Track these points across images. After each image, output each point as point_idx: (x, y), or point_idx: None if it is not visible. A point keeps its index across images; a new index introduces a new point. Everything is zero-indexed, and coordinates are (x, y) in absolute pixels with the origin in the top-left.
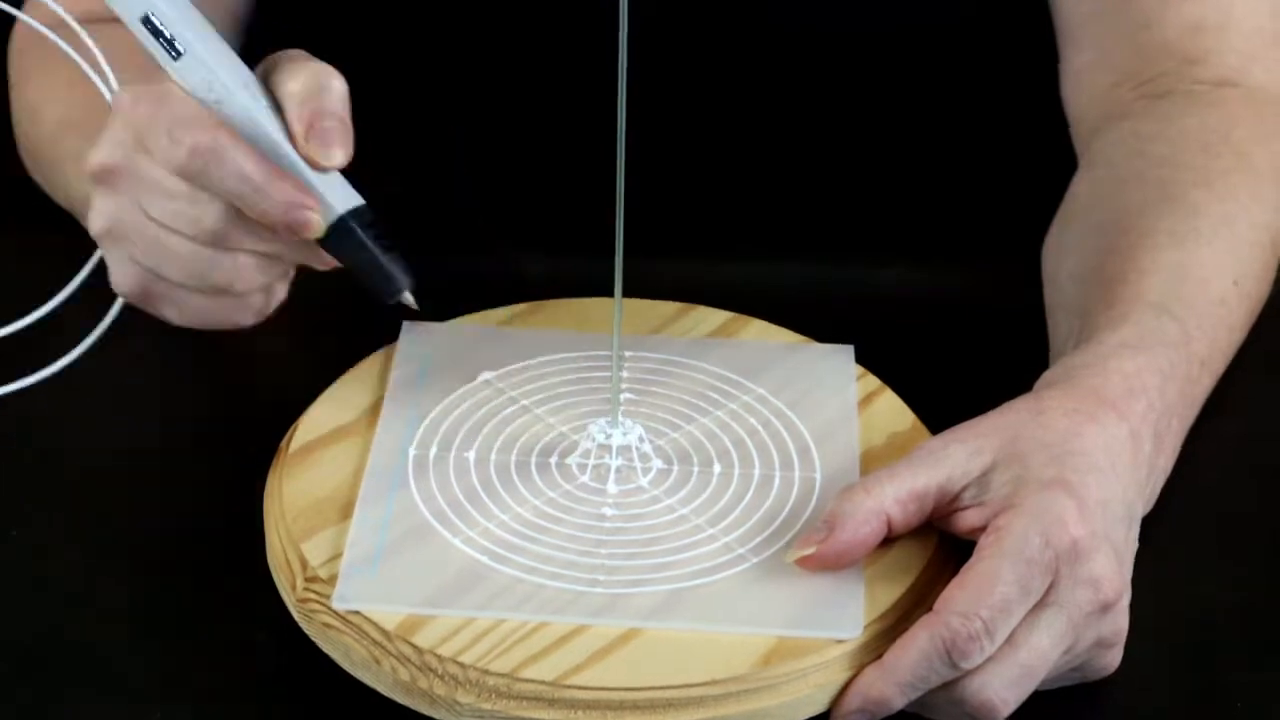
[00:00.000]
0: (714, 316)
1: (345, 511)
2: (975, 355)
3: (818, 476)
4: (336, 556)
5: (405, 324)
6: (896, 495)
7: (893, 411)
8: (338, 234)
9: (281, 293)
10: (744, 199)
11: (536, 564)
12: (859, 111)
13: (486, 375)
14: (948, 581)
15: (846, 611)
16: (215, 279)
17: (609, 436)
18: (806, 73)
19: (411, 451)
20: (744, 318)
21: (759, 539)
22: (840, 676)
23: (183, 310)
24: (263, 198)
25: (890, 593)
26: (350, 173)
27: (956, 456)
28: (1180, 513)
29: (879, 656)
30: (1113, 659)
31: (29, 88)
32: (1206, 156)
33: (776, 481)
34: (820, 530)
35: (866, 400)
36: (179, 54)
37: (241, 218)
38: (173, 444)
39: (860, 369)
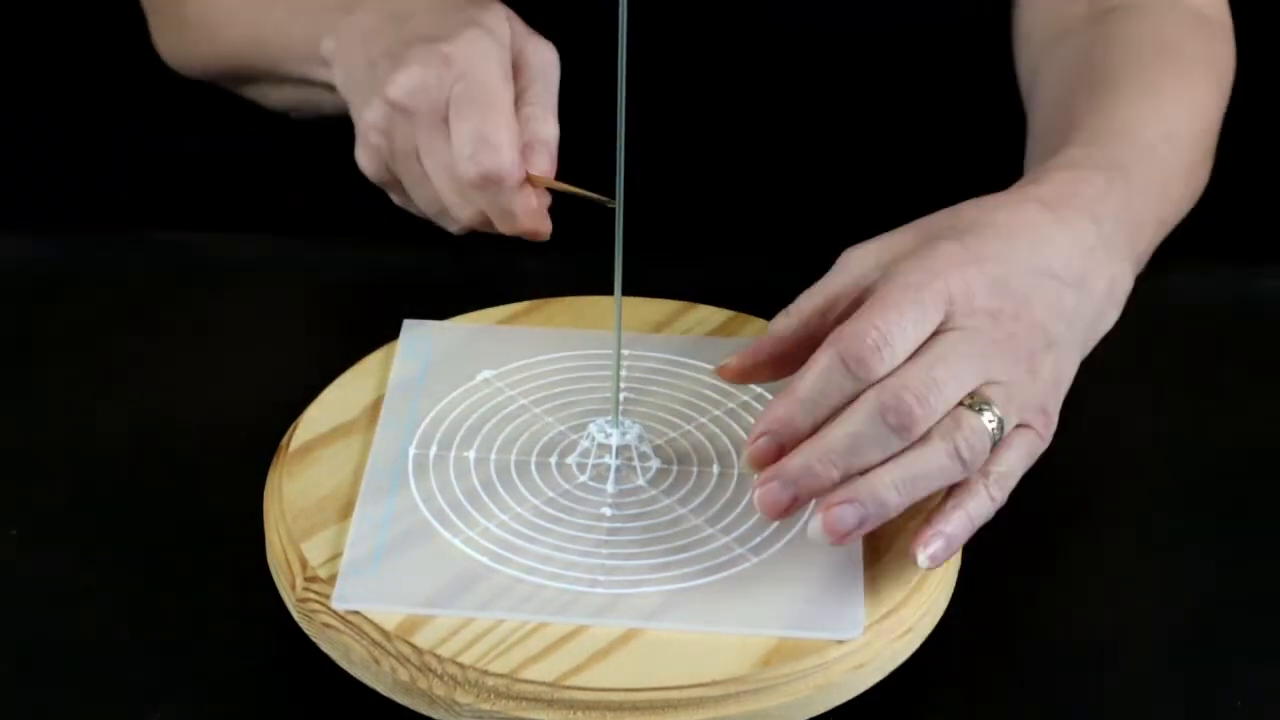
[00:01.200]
0: (714, 316)
1: (345, 511)
2: None
3: None
4: (336, 556)
5: (405, 322)
6: (815, 306)
7: None
8: None
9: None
10: (744, 198)
11: (536, 564)
12: (860, 110)
13: (486, 374)
14: (947, 585)
15: (847, 612)
16: (442, 221)
17: (608, 436)
18: (807, 72)
19: (411, 451)
20: (744, 316)
21: (759, 539)
22: (841, 678)
23: (407, 203)
24: (513, 225)
25: (891, 594)
26: (352, 170)
27: (869, 253)
28: (1180, 511)
29: (879, 658)
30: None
31: None
32: (1131, 50)
33: None
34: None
35: None
36: None
37: None
38: (173, 443)
39: None
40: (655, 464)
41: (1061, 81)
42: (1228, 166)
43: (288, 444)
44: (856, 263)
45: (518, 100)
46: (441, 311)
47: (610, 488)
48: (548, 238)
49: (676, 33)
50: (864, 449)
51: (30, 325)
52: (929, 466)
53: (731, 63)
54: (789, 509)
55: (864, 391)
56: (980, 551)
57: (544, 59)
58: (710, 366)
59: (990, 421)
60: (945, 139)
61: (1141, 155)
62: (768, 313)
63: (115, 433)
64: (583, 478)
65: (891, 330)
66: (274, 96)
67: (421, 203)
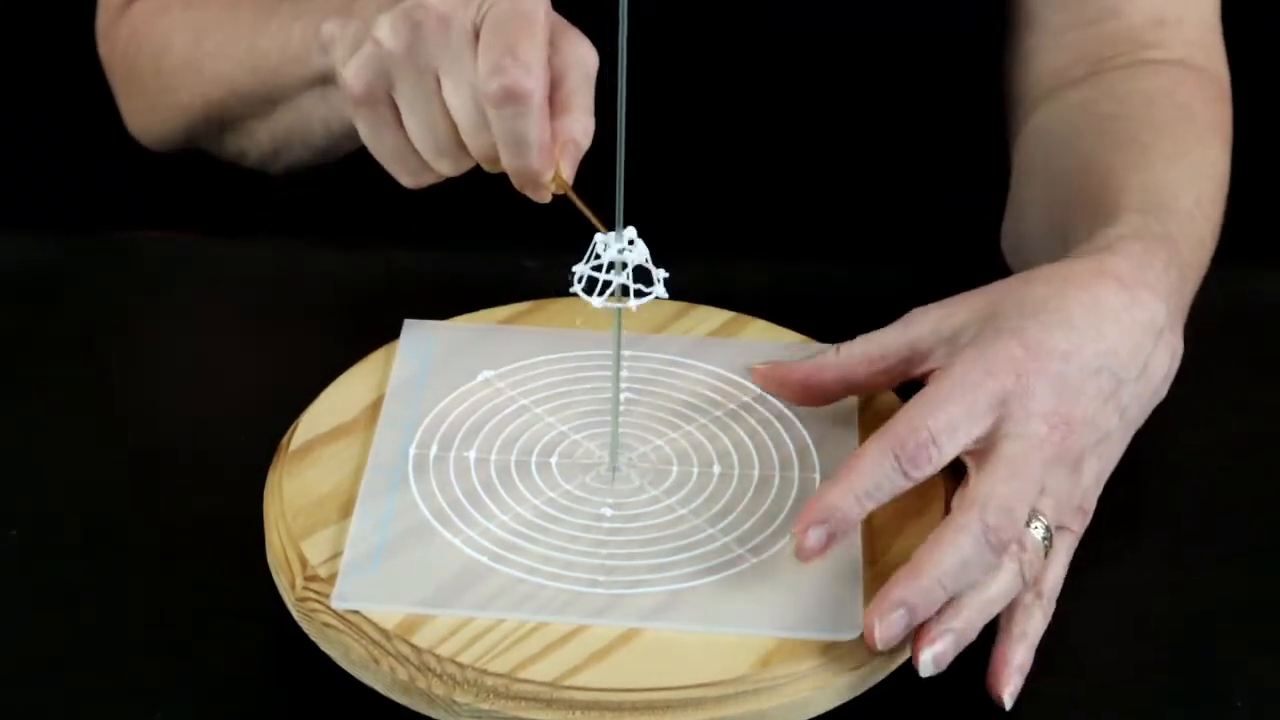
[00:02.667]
0: (715, 316)
1: (345, 510)
2: None
3: (818, 477)
4: (336, 555)
5: (406, 322)
6: (866, 352)
7: (892, 410)
8: None
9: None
10: (745, 199)
11: (536, 564)
12: (860, 111)
13: (487, 374)
14: None
15: (846, 613)
16: (437, 161)
17: (607, 248)
18: (807, 73)
19: (412, 450)
20: (745, 317)
21: (759, 539)
22: (839, 678)
23: (376, 136)
24: (521, 158)
25: None
26: (352, 171)
27: (929, 319)
28: (1181, 512)
29: (879, 659)
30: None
31: (158, 30)
32: (1151, 109)
33: (776, 481)
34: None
35: (867, 400)
36: None
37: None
38: (173, 442)
39: None
40: (660, 291)
41: (1077, 130)
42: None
43: (288, 443)
44: (916, 323)
45: (554, 89)
46: (442, 311)
47: (598, 305)
48: (548, 199)
49: (677, 33)
50: (971, 573)
51: (30, 325)
52: (1001, 590)
53: (733, 63)
54: (903, 638)
55: (956, 513)
56: None
57: (582, 52)
58: (711, 368)
59: (1043, 537)
60: (947, 140)
61: (1183, 225)
62: (768, 314)
63: (115, 433)
64: (580, 289)
65: (941, 431)
66: (261, 134)
67: (420, 129)
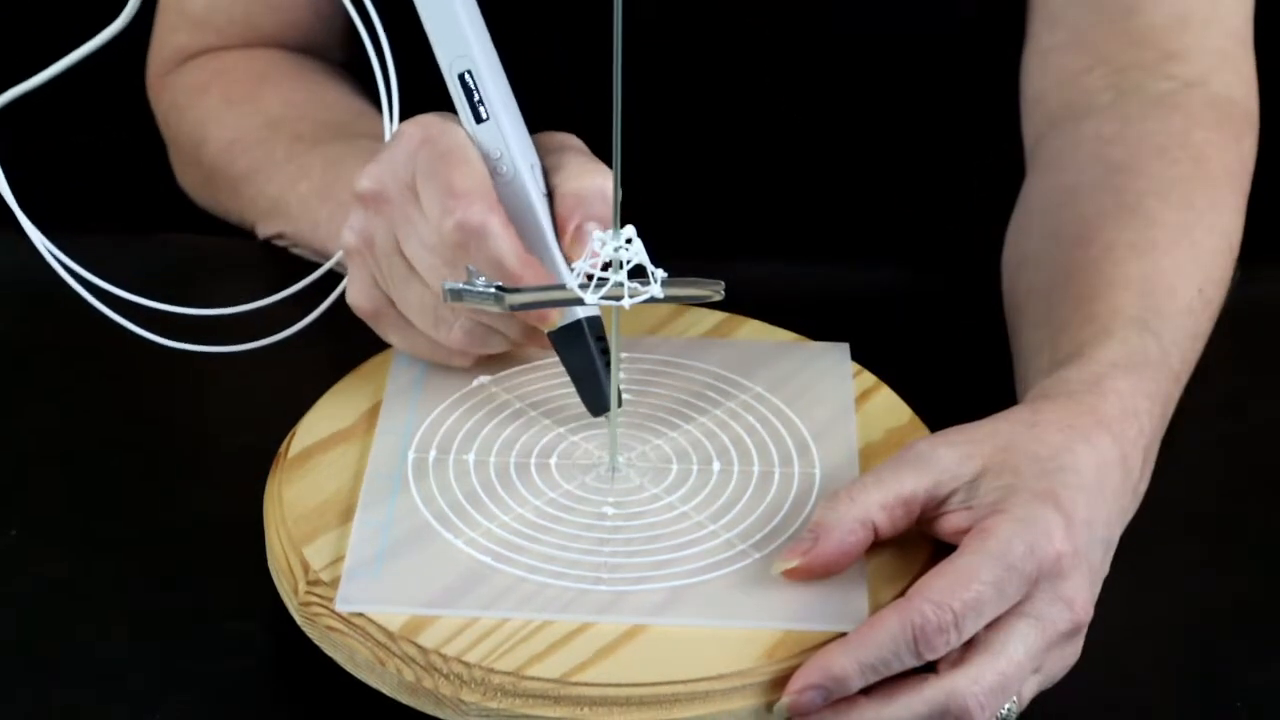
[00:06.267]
0: (709, 316)
1: (346, 515)
2: (968, 352)
3: (817, 472)
4: (338, 559)
5: None
6: (883, 501)
7: (890, 407)
8: (566, 334)
9: (496, 348)
10: (738, 199)
11: (539, 563)
12: (856, 112)
13: (482, 379)
14: None
15: (851, 604)
16: (438, 332)
17: (603, 245)
18: (804, 74)
19: (410, 455)
20: (739, 317)
21: (761, 534)
22: None
23: (404, 340)
24: (503, 275)
25: (894, 585)
26: None
27: (946, 460)
28: (1181, 513)
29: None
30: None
31: (196, 113)
32: (1163, 163)
33: (776, 477)
34: (805, 541)
35: (863, 397)
36: (483, 119)
37: None
38: (173, 447)
39: (856, 366)
40: (656, 291)
41: (1084, 180)
42: None
43: (286, 450)
44: (930, 464)
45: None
46: None
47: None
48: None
49: (675, 33)
50: None
51: (30, 326)
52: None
53: (729, 63)
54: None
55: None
56: None
57: (597, 184)
58: (707, 367)
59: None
60: (941, 140)
61: (1179, 327)
62: (760, 314)
63: (116, 435)
64: (585, 292)
65: (966, 612)
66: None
67: (414, 309)
